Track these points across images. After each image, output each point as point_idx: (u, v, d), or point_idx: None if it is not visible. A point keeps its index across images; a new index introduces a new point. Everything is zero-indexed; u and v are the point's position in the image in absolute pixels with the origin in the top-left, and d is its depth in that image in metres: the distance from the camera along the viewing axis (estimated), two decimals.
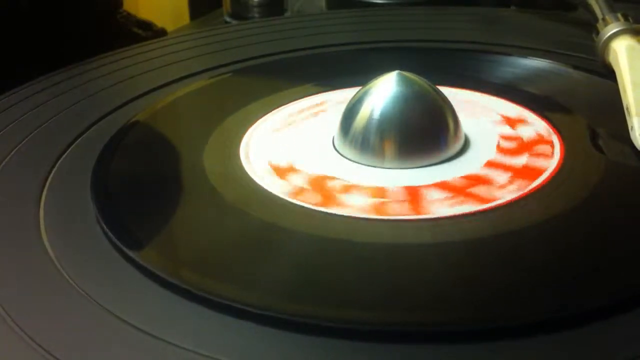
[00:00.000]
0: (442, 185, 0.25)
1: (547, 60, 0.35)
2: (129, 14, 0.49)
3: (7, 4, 0.41)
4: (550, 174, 0.26)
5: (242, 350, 0.19)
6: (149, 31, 0.49)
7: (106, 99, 0.33)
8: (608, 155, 0.27)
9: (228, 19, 0.52)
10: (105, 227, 0.23)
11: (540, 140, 0.28)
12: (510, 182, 0.25)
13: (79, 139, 0.30)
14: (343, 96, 0.32)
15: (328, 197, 0.25)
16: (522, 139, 0.28)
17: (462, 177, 0.26)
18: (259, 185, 0.26)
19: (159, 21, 0.52)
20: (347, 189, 0.25)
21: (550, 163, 0.26)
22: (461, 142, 0.28)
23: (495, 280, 0.21)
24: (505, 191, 0.25)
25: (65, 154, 0.29)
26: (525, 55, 0.35)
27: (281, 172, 0.27)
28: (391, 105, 0.27)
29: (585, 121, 0.29)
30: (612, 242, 0.23)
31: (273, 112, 0.31)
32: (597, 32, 0.33)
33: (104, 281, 0.21)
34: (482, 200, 0.24)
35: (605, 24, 0.33)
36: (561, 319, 0.19)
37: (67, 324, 0.20)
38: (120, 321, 0.20)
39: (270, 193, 0.25)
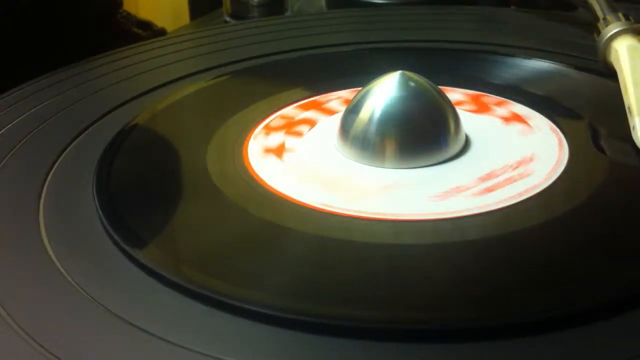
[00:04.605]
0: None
1: (548, 61, 0.35)
2: (129, 14, 0.49)
3: (7, 4, 0.41)
4: (553, 173, 0.26)
5: (244, 348, 0.19)
6: (149, 31, 0.49)
7: (106, 99, 0.33)
8: (609, 155, 0.27)
9: (228, 19, 0.52)
10: (107, 226, 0.23)
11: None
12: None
13: (79, 139, 0.30)
14: (343, 96, 0.32)
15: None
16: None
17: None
18: (261, 185, 0.26)
19: (159, 21, 0.52)
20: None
21: (552, 163, 0.26)
22: (462, 142, 0.28)
23: (496, 280, 0.21)
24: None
25: (65, 153, 0.29)
26: (525, 56, 0.35)
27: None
28: (394, 105, 0.27)
29: (586, 121, 0.29)
30: (613, 242, 0.23)
31: (274, 112, 0.31)
32: (598, 32, 0.33)
33: (106, 280, 0.21)
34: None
35: (607, 23, 0.33)
36: (561, 319, 0.19)
37: (68, 324, 0.20)
38: (122, 320, 0.20)
39: (272, 193, 0.25)
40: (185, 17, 0.65)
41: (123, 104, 0.33)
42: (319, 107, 0.32)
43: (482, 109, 0.31)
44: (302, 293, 0.21)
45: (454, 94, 0.32)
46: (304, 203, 0.25)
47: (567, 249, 0.22)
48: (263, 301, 0.20)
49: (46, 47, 0.42)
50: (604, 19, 0.34)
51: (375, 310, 0.20)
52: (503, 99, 0.32)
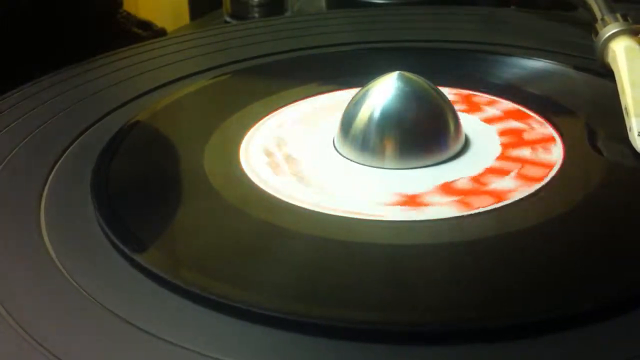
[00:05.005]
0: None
1: (547, 60, 0.35)
2: (129, 14, 0.49)
3: (7, 4, 0.41)
4: (550, 174, 0.26)
5: (243, 349, 0.19)
6: (149, 31, 0.49)
7: (106, 99, 0.33)
8: (607, 155, 0.27)
9: (228, 19, 0.52)
10: (105, 227, 0.23)
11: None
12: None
13: (79, 139, 0.30)
14: (343, 96, 0.32)
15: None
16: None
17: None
18: (259, 186, 0.26)
19: (159, 21, 0.52)
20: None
21: (550, 163, 0.26)
22: (462, 142, 0.28)
23: (495, 281, 0.21)
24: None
25: (65, 154, 0.29)
26: (525, 55, 0.35)
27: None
28: (392, 105, 0.27)
29: (584, 121, 0.29)
30: (611, 242, 0.23)
31: (273, 112, 0.31)
32: (596, 33, 0.34)
33: (105, 281, 0.21)
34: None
35: (604, 24, 0.33)
36: (561, 319, 0.19)
37: (68, 324, 0.20)
38: (122, 320, 0.20)
39: (270, 194, 0.25)
40: (185, 17, 0.65)
41: (123, 104, 0.33)
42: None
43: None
44: (302, 294, 0.21)
45: (453, 94, 0.32)
46: (304, 204, 0.25)
47: (565, 249, 0.22)
48: (261, 303, 0.20)
49: (46, 47, 0.42)
50: (602, 19, 0.34)
51: (374, 311, 0.20)
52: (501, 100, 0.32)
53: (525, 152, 0.27)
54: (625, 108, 0.29)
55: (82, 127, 0.31)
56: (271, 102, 0.32)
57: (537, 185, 0.25)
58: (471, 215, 0.24)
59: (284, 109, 0.32)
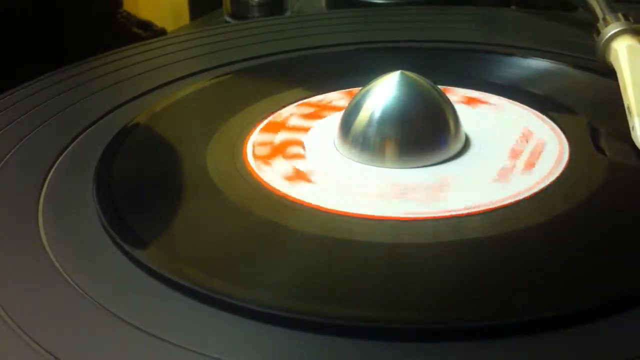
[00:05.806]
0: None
1: (547, 60, 0.35)
2: (129, 14, 0.49)
3: (7, 4, 0.41)
4: (551, 173, 0.26)
5: (244, 348, 0.19)
6: (149, 31, 0.49)
7: (106, 99, 0.33)
8: (609, 155, 0.27)
9: (228, 19, 0.52)
10: (107, 226, 0.23)
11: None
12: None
13: (79, 139, 0.30)
14: (343, 96, 0.32)
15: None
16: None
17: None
18: (261, 185, 0.26)
19: (159, 21, 0.52)
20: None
21: (551, 163, 0.26)
22: (462, 141, 0.28)
23: (496, 280, 0.21)
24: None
25: (65, 153, 0.29)
26: (525, 55, 0.35)
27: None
28: (393, 105, 0.27)
29: (586, 121, 0.29)
30: (613, 242, 0.23)
31: (274, 112, 0.31)
32: (598, 32, 0.34)
33: (105, 280, 0.21)
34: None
35: (606, 23, 0.33)
36: (561, 319, 0.19)
37: (67, 324, 0.20)
38: (122, 321, 0.20)
39: (272, 192, 0.25)
40: (185, 17, 0.65)
41: (123, 104, 0.33)
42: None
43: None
44: (302, 292, 0.21)
45: (453, 94, 0.32)
46: (304, 203, 0.25)
47: (567, 248, 0.22)
48: (263, 300, 0.20)
49: (46, 47, 0.42)
50: (604, 19, 0.34)
51: (375, 309, 0.20)
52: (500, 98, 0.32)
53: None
54: (628, 107, 0.29)
55: (82, 127, 0.31)
56: (272, 102, 0.32)
57: (539, 185, 0.25)
58: (471, 214, 0.24)
59: (284, 109, 0.32)
